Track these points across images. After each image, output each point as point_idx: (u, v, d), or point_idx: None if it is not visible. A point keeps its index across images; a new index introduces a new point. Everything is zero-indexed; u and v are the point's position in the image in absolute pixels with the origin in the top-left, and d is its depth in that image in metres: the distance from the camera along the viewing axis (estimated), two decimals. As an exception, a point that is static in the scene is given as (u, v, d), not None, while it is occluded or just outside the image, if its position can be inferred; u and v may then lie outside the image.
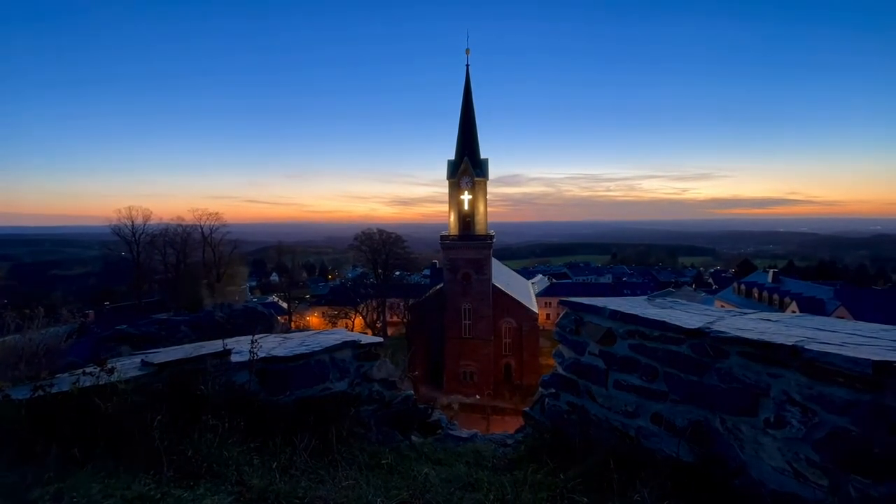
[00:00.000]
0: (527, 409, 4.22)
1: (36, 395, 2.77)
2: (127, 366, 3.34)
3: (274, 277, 77.28)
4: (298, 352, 3.87)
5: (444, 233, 43.80)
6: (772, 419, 2.35)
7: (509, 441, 4.22)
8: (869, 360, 2.00)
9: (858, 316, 31.50)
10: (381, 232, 55.36)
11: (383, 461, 3.19)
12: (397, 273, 57.97)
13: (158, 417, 2.73)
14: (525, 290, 53.86)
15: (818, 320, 2.90)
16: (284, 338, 4.47)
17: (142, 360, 3.48)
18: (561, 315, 4.01)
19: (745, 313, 3.28)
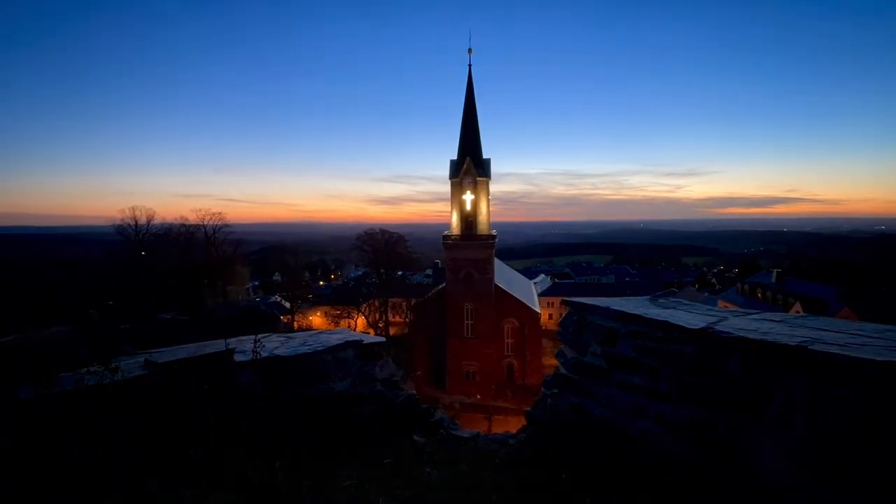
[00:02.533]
0: (529, 409, 4.21)
1: (39, 394, 2.78)
2: (130, 365, 3.35)
3: (276, 277, 77.42)
4: (301, 351, 3.87)
5: (446, 232, 43.81)
6: (776, 420, 2.34)
7: (511, 441, 4.22)
8: (873, 360, 1.99)
9: (863, 316, 31.37)
10: (383, 232, 55.43)
11: (385, 461, 3.19)
12: (400, 273, 58.00)
13: (162, 417, 2.74)
14: (527, 290, 53.82)
15: (822, 321, 2.89)
16: (287, 337, 4.48)
17: (145, 360, 3.49)
18: (563, 315, 4.00)
19: (749, 313, 3.27)
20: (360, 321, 52.53)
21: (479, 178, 42.88)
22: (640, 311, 3.30)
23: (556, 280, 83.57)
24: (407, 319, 52.66)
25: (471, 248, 42.34)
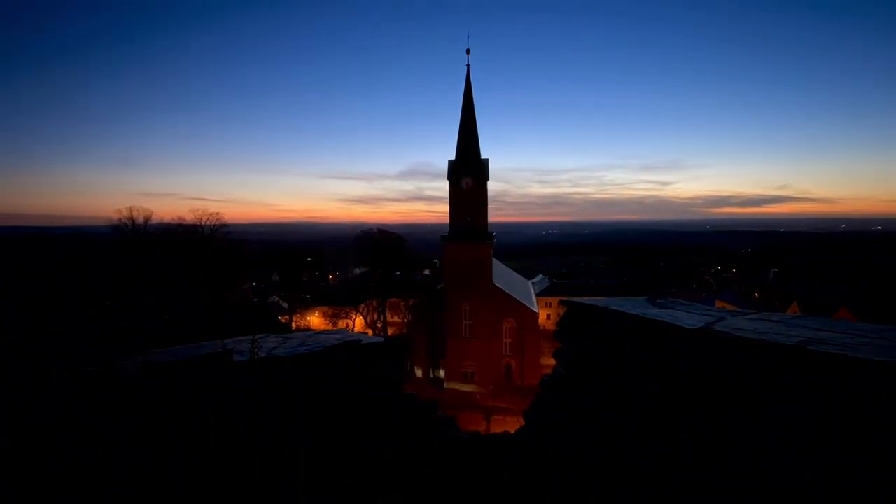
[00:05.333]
0: (527, 409, 4.22)
1: (39, 394, 2.77)
2: (129, 365, 3.34)
3: (274, 277, 77.34)
4: (299, 352, 3.87)
5: (444, 233, 43.85)
6: (774, 420, 2.34)
7: (510, 441, 4.22)
8: (872, 360, 2.00)
9: (860, 316, 31.47)
10: (381, 232, 55.50)
11: (384, 461, 3.19)
12: (398, 273, 57.99)
13: (160, 417, 2.74)
14: (526, 290, 53.87)
15: (820, 321, 2.90)
16: (285, 338, 4.47)
17: (143, 360, 3.48)
18: (561, 315, 4.01)
19: (747, 313, 3.28)
20: (359, 321, 52.51)
21: (477, 179, 42.95)
22: (638, 311, 3.31)
23: (555, 280, 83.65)
24: (405, 320, 52.66)
25: (469, 248, 42.37)
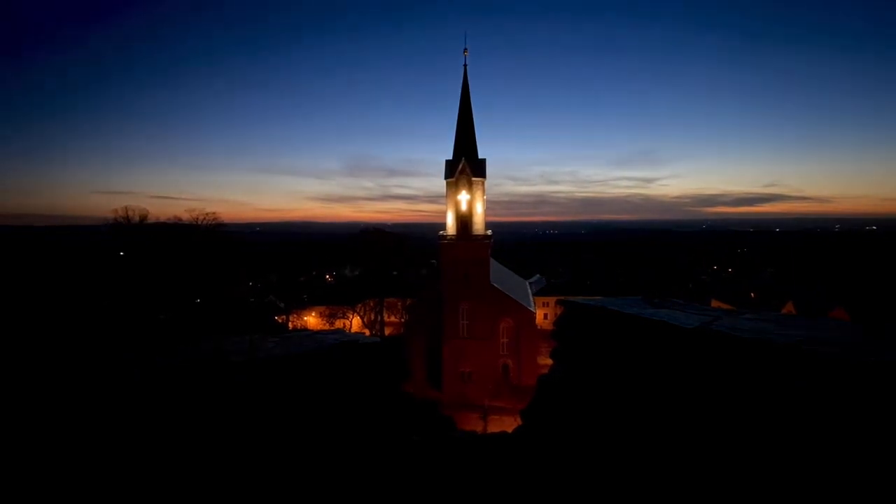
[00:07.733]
0: (524, 408, 4.22)
1: (35, 397, 2.75)
2: (125, 366, 3.33)
3: (271, 277, 77.18)
4: (296, 353, 3.86)
5: (441, 232, 43.90)
6: (770, 420, 2.35)
7: (507, 441, 4.22)
8: (867, 360, 2.01)
9: (855, 316, 31.66)
10: (379, 231, 55.55)
11: (383, 463, 3.19)
12: (395, 273, 58.02)
13: (157, 419, 2.73)
14: (523, 290, 53.94)
15: (815, 320, 2.91)
16: (282, 338, 4.46)
17: (140, 361, 3.47)
18: (558, 315, 4.02)
19: (743, 313, 3.29)
20: (356, 321, 52.49)
21: (474, 179, 43.03)
22: (634, 310, 3.31)
23: (552, 280, 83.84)
24: (403, 320, 52.65)
25: (467, 247, 42.43)
